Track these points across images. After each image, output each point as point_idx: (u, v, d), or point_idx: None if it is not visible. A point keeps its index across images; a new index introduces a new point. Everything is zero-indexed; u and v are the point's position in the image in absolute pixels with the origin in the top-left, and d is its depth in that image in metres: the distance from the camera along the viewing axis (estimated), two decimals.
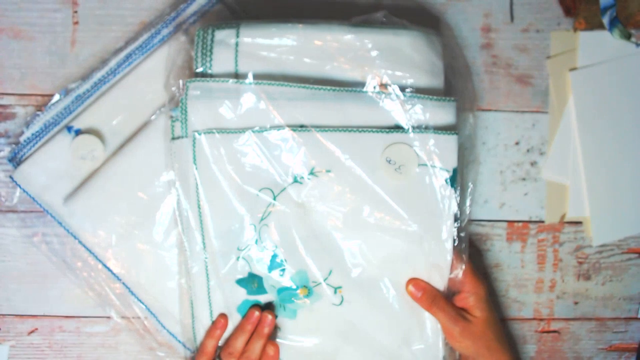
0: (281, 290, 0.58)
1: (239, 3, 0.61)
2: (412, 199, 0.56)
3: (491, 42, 0.63)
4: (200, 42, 0.55)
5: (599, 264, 0.67)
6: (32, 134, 0.59)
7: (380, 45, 0.55)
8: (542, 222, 0.66)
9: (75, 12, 0.61)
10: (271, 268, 0.57)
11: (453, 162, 0.56)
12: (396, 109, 0.55)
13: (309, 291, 0.58)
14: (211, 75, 0.55)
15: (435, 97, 0.55)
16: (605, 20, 0.60)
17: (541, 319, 0.67)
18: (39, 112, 0.60)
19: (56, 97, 0.60)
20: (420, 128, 0.55)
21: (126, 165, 0.58)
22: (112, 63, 0.59)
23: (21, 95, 0.61)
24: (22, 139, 0.59)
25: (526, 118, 0.64)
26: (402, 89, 0.55)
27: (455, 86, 0.60)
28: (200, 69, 0.55)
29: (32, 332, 0.64)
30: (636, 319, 0.68)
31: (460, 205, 0.57)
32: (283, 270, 0.57)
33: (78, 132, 0.59)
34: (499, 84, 0.64)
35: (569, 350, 0.68)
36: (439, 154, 0.56)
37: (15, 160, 0.59)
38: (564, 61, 0.64)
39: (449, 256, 0.57)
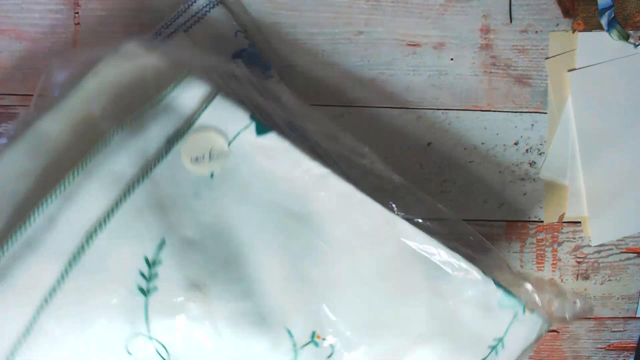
0: None
1: (239, 4, 0.61)
2: None
3: (490, 43, 0.64)
4: None
5: (597, 263, 0.67)
6: None
7: None
8: (541, 222, 0.66)
9: (77, 13, 0.61)
10: None
11: None
12: None
13: None
14: None
15: None
16: (604, 21, 0.60)
17: None
18: None
19: None
20: None
21: None
22: None
23: (23, 96, 0.61)
24: None
25: (525, 118, 0.65)
26: None
27: None
28: None
29: None
30: (635, 318, 0.68)
31: None
32: None
33: None
34: (498, 85, 0.64)
35: (567, 349, 0.68)
36: None
37: None
38: (562, 62, 0.64)
39: None
